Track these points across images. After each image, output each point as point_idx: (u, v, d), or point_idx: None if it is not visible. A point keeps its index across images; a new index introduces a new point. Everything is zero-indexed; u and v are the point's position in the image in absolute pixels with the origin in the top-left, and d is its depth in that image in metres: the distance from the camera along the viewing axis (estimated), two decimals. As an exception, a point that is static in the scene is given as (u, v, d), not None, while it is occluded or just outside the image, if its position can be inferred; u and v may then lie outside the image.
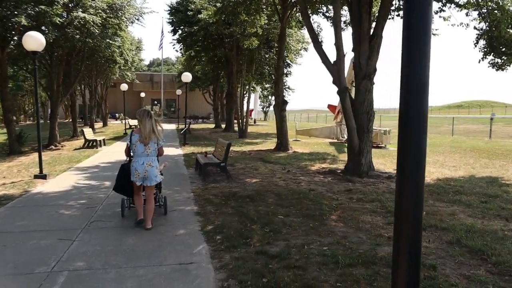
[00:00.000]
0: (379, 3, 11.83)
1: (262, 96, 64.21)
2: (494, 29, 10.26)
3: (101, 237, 5.92)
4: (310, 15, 19.34)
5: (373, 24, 11.17)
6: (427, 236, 5.85)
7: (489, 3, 11.55)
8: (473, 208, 7.65)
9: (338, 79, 10.49)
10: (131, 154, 6.39)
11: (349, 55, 23.82)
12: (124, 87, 29.08)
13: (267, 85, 45.87)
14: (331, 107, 26.22)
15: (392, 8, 12.28)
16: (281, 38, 17.91)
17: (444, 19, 12.85)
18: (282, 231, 6.12)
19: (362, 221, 6.67)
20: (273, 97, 68.77)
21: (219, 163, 10.87)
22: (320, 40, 19.64)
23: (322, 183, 10.26)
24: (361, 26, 10.80)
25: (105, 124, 40.17)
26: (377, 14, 11.73)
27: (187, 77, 21.15)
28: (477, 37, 11.26)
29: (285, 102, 17.75)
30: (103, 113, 41.10)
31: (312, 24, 19.98)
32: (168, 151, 17.82)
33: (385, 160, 14.49)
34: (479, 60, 11.23)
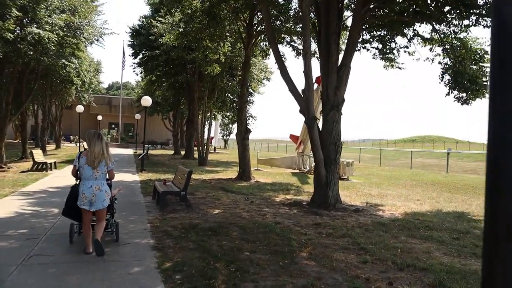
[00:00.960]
0: (347, 34, 11.76)
1: (222, 124, 63.86)
2: (457, 65, 10.36)
3: (40, 276, 5.12)
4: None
5: (341, 55, 11.05)
6: (407, 278, 5.42)
7: (454, 41, 11.73)
8: (446, 245, 7.35)
9: (306, 108, 10.16)
10: (79, 176, 6.11)
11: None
12: (80, 109, 27.89)
13: (228, 113, 45.58)
14: (293, 137, 26.04)
15: (359, 40, 12.24)
16: (245, 66, 17.65)
17: (409, 54, 12.98)
18: (249, 270, 5.52)
19: (335, 259, 6.17)
20: (234, 125, 68.68)
21: (179, 192, 10.19)
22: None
23: (288, 215, 9.76)
24: (329, 56, 10.63)
25: (58, 147, 38.34)
26: (344, 46, 11.63)
27: (147, 101, 20.43)
28: (442, 72, 11.35)
29: (248, 131, 17.35)
30: (57, 135, 39.29)
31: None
32: (124, 177, 16.89)
33: (349, 192, 14.22)
34: (446, 95, 11.29)
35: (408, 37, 12.38)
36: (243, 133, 17.16)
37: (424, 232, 8.37)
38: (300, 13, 11.14)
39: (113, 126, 56.92)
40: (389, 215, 10.37)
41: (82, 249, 6.16)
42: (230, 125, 68.04)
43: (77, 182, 6.26)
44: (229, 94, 31.74)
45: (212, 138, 48.47)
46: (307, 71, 9.86)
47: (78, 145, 31.35)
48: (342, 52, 11.00)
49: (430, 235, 8.06)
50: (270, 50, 19.37)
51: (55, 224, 7.91)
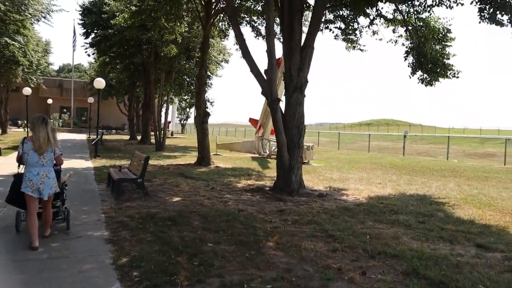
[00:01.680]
0: (309, 15, 11.38)
1: (180, 108, 62.52)
2: (421, 45, 10.23)
3: (-24, 280, 4.50)
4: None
5: (303, 36, 10.69)
6: (380, 266, 5.17)
7: (416, 21, 11.62)
8: (413, 229, 7.21)
9: (269, 89, 9.75)
10: (23, 162, 5.75)
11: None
12: (27, 91, 26.20)
13: (185, 97, 44.56)
14: (252, 121, 25.67)
15: (322, 19, 11.89)
16: (204, 46, 16.99)
17: (374, 32, 12.78)
18: (214, 263, 5.11)
19: (303, 248, 5.85)
20: (192, 109, 67.44)
21: (136, 179, 9.59)
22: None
23: (251, 202, 9.39)
24: (292, 35, 10.22)
25: (4, 132, 36.23)
26: (307, 27, 11.25)
27: (100, 83, 19.39)
28: (406, 53, 11.23)
29: (207, 114, 16.78)
30: (2, 119, 37.07)
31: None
32: (77, 163, 16.00)
33: (311, 177, 14.02)
34: (409, 76, 11.23)
35: (371, 17, 12.16)
36: (202, 116, 16.58)
37: (390, 216, 8.23)
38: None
39: (65, 110, 54.50)
40: (353, 199, 10.22)
41: (27, 244, 5.56)
42: (188, 109, 66.81)
43: (19, 170, 5.95)
44: (186, 77, 30.82)
45: (169, 122, 47.35)
46: (270, 50, 9.41)
47: (26, 130, 29.59)
48: (305, 34, 10.61)
49: (396, 220, 7.92)
50: (229, 30, 18.81)
51: (-3, 216, 7.20)
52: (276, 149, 22.89)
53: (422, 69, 10.74)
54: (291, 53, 10.17)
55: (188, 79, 31.17)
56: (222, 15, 17.95)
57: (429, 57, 10.21)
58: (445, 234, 6.94)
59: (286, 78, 10.33)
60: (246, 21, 18.35)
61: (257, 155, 23.71)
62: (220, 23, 19.18)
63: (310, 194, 10.37)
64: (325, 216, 8.05)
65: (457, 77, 10.52)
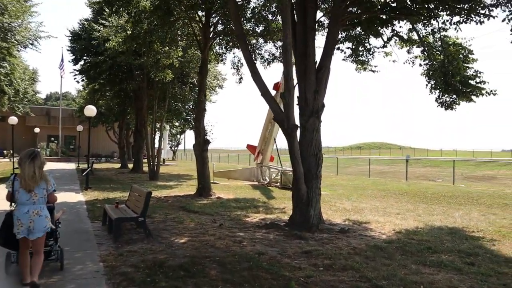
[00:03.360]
0: (326, 31, 10.57)
1: (170, 134, 61.52)
2: (447, 65, 9.41)
3: None
4: (232, 49, 17.94)
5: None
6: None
7: (436, 41, 10.87)
8: (467, 274, 6.19)
9: (286, 114, 8.78)
10: (15, 201, 5.45)
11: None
12: (13, 120, 24.94)
13: (176, 123, 43.61)
14: (250, 148, 24.67)
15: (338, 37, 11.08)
16: (202, 70, 16.10)
17: (386, 54, 12.00)
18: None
19: (354, 307, 4.79)
20: (182, 136, 66.23)
21: (137, 218, 8.45)
22: (240, 76, 18.24)
23: (269, 241, 8.30)
24: (306, 55, 9.35)
25: (-12, 163, 34.72)
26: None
27: (91, 110, 18.32)
28: (427, 74, 10.37)
29: (207, 142, 15.76)
30: (-13, 149, 35.59)
31: (233, 58, 18.61)
32: (67, 197, 14.78)
33: (323, 208, 12.84)
34: (436, 100, 10.33)
35: (385, 37, 11.38)
36: (202, 144, 15.55)
37: (431, 257, 7.22)
38: (279, 3, 9.78)
39: (52, 138, 53.02)
40: (379, 235, 9.18)
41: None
42: (178, 136, 65.92)
43: (11, 208, 5.60)
44: (179, 103, 29.83)
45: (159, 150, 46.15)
46: (288, 71, 8.49)
47: (11, 160, 28.21)
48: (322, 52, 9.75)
49: (440, 261, 6.90)
50: (226, 54, 18.06)
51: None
52: (276, 177, 22.07)
53: (448, 90, 9.89)
54: (306, 74, 9.29)
55: (180, 105, 30.22)
56: (220, 38, 17.17)
57: (458, 78, 9.39)
58: (507, 280, 5.93)
59: (301, 102, 9.39)
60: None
61: (256, 183, 22.66)
62: (217, 47, 18.36)
63: (331, 229, 9.32)
64: (359, 258, 6.99)
65: (494, 94, 9.69)
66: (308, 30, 9.22)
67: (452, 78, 9.49)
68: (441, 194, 17.37)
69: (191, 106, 30.16)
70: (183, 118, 31.16)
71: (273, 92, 22.48)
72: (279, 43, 17.11)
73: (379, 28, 11.11)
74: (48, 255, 6.02)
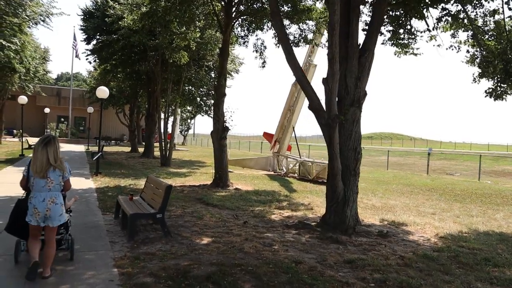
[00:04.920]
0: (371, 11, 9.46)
1: (181, 119, 60.60)
2: (509, 51, 8.33)
3: None
4: (255, 31, 16.88)
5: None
6: None
7: (484, 26, 9.74)
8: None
9: (327, 103, 7.74)
10: (29, 187, 5.32)
11: (292, 79, 21.56)
12: (23, 99, 24.11)
13: (189, 107, 42.68)
14: (267, 136, 23.72)
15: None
16: (223, 52, 15.04)
17: (431, 37, 10.86)
18: None
19: None
20: (193, 121, 65.53)
21: (154, 214, 7.53)
22: (264, 60, 17.21)
23: (302, 245, 7.36)
24: (348, 37, 8.29)
25: (-2, 142, 34.09)
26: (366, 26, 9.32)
27: (103, 92, 17.40)
28: (483, 61, 9.29)
29: (227, 129, 14.78)
30: (-3, 128, 34.91)
31: (256, 41, 17.51)
32: (76, 183, 13.93)
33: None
34: (491, 90, 9.29)
35: (430, 20, 10.26)
36: (221, 131, 14.57)
37: (493, 271, 6.27)
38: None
39: (62, 119, 52.36)
40: (423, 240, 8.21)
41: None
42: (189, 120, 65.03)
43: (24, 195, 5.55)
44: (193, 88, 28.78)
45: (170, 134, 45.26)
46: (333, 54, 7.43)
47: (21, 140, 27.47)
48: (366, 34, 8.66)
49: (506, 278, 5.94)
50: (249, 36, 16.95)
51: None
52: (294, 167, 21.09)
53: (509, 80, 8.81)
54: (348, 58, 8.23)
55: (194, 90, 29.19)
56: (242, 18, 16.07)
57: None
58: None
59: (341, 90, 8.35)
60: (268, 26, 16.47)
61: (272, 173, 21.73)
62: (239, 28, 17.26)
63: (369, 232, 8.35)
64: (412, 272, 6.02)
65: None
66: (353, 7, 8.14)
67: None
68: (471, 192, 16.34)
69: (206, 90, 29.16)
70: (197, 104, 30.12)
71: (293, 79, 21.47)
72: (305, 25, 16.01)
73: (426, 8, 9.98)
74: (59, 244, 5.79)
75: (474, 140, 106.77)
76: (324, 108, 8.57)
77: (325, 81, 7.60)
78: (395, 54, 11.45)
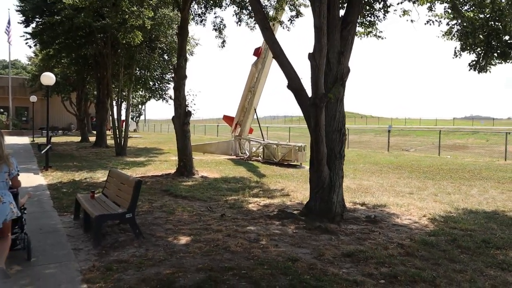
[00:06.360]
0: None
1: (132, 104, 58.32)
2: (492, 22, 7.92)
3: None
4: (213, 8, 15.86)
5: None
6: None
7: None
8: None
9: (314, 80, 7.01)
10: None
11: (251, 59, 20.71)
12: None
13: (141, 92, 40.97)
14: (227, 119, 22.80)
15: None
16: (182, 31, 13.95)
17: (404, 12, 10.35)
18: None
19: None
20: (144, 106, 63.51)
21: (123, 214, 6.60)
22: (223, 40, 16.27)
23: (291, 238, 6.69)
24: (329, 9, 7.57)
25: None
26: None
27: (49, 78, 15.87)
28: (466, 33, 8.84)
29: (189, 114, 13.79)
30: None
31: (215, 19, 16.45)
32: (24, 180, 12.35)
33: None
34: (474, 62, 8.90)
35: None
36: (183, 116, 13.58)
37: (496, 254, 5.93)
38: None
39: (1, 110, 48.81)
40: (413, 224, 7.79)
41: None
42: (140, 106, 62.93)
43: None
44: (146, 71, 27.25)
45: (123, 121, 43.29)
46: (320, 24, 6.67)
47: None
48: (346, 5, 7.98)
49: (505, 260, 5.61)
50: (206, 14, 15.91)
51: None
52: (257, 150, 20.42)
53: (491, 52, 8.43)
54: (329, 33, 7.51)
55: (147, 73, 27.65)
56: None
57: (503, 36, 7.91)
58: None
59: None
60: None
61: (234, 157, 20.97)
62: (196, 6, 16.12)
63: (357, 218, 7.84)
64: (419, 262, 5.52)
65: None
66: (333, -25, 7.43)
67: (496, 38, 8.00)
68: (438, 168, 16.37)
69: (159, 74, 27.75)
70: (150, 88, 28.66)
71: (253, 59, 20.66)
72: (266, 1, 15.18)
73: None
74: (14, 244, 5.41)
75: (422, 116, 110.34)
76: (303, 87, 7.91)
77: (311, 56, 6.86)
78: (357, 36, 10.76)
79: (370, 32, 11.12)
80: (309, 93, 7.56)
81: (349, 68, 7.89)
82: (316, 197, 7.82)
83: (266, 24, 7.69)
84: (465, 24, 8.67)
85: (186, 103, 13.99)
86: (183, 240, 6.56)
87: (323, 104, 6.92)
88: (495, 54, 8.49)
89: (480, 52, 8.68)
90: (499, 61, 8.82)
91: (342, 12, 8.00)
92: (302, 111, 7.78)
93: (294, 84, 7.59)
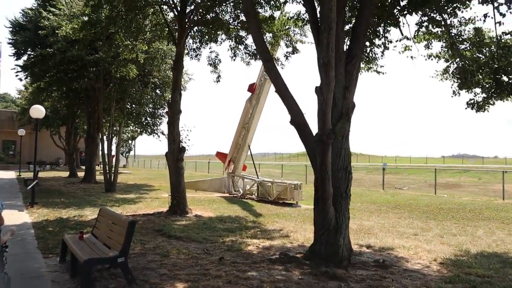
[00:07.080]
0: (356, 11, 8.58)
1: (122, 139, 57.73)
2: (496, 60, 7.74)
3: None
4: (209, 43, 15.74)
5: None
6: None
7: (459, 36, 9.21)
8: None
9: (321, 116, 6.64)
10: None
11: (245, 95, 20.49)
12: None
13: (131, 127, 40.51)
14: (220, 156, 22.34)
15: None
16: (178, 65, 13.71)
17: (406, 48, 10.19)
18: None
19: None
20: (134, 142, 62.87)
21: (115, 258, 6.04)
22: (218, 74, 16.07)
23: (298, 286, 6.16)
24: (334, 42, 7.33)
25: None
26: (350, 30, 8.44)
27: (39, 111, 15.44)
28: (461, 72, 8.63)
29: (183, 150, 13.36)
30: None
31: (210, 54, 16.30)
32: (8, 217, 11.73)
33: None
34: (480, 103, 8.69)
35: (405, 27, 9.62)
36: (177, 152, 13.13)
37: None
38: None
39: (-12, 143, 47.95)
40: (424, 269, 7.30)
41: None
42: (130, 141, 62.36)
43: None
44: (138, 106, 26.91)
45: (113, 156, 42.64)
46: (328, 58, 6.39)
47: None
48: (350, 39, 7.77)
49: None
50: (201, 49, 15.75)
51: None
52: (251, 188, 19.88)
53: (501, 89, 8.22)
54: (334, 66, 7.24)
55: (138, 108, 27.30)
56: (197, 28, 14.87)
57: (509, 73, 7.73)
58: None
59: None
60: (223, 38, 15.38)
61: (228, 195, 20.40)
62: (191, 41, 15.98)
63: (365, 263, 7.34)
64: (442, 316, 5.03)
65: None
66: (338, 8, 7.23)
67: (505, 74, 7.80)
68: (436, 207, 16.01)
69: (151, 109, 27.45)
70: (141, 122, 28.29)
71: (247, 95, 20.46)
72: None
73: (401, 15, 9.31)
74: None
75: (412, 154, 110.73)
76: (306, 123, 7.59)
77: (319, 90, 6.53)
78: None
79: (370, 68, 10.96)
80: (313, 129, 7.23)
81: (354, 103, 7.59)
82: (322, 239, 7.32)
83: (268, 57, 7.42)
84: (467, 62, 8.48)
85: (180, 138, 13.55)
86: (180, 287, 5.99)
87: (330, 140, 6.55)
88: (505, 91, 8.28)
89: (485, 90, 8.46)
90: (507, 99, 8.62)
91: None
92: (306, 148, 7.40)
93: (297, 119, 7.26)
